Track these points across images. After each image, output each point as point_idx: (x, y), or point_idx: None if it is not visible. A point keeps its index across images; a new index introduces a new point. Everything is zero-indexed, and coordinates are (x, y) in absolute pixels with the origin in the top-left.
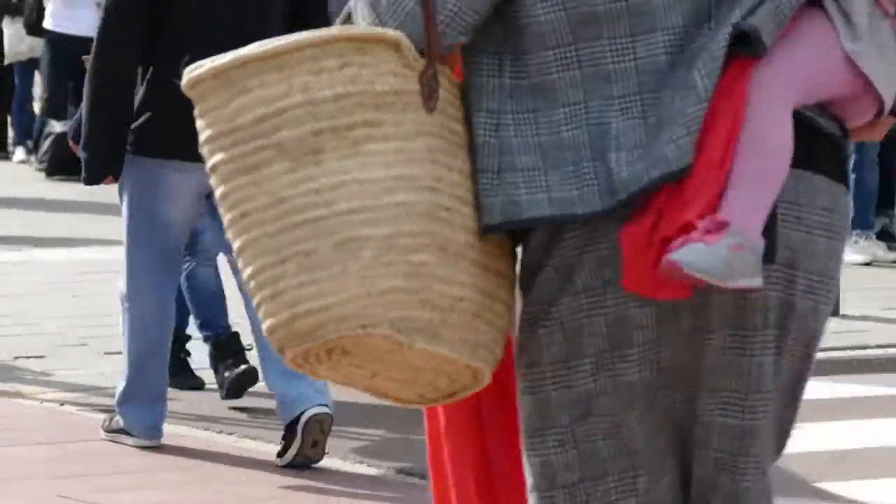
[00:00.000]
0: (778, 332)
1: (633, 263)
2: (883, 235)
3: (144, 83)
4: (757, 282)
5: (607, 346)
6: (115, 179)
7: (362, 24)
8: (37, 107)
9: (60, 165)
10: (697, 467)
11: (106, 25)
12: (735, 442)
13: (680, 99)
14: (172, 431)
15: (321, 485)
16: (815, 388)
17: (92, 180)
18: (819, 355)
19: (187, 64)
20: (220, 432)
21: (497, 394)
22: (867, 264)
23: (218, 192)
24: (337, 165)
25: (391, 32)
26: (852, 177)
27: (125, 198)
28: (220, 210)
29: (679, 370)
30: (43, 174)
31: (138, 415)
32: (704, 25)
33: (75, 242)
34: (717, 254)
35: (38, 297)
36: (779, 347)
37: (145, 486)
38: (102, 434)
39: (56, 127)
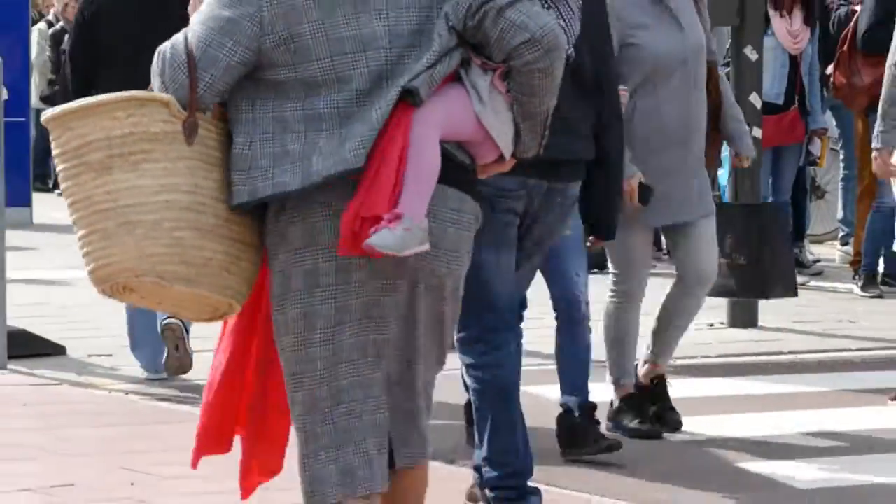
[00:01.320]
0: (415, 285)
1: (346, 236)
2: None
3: None
4: (425, 247)
5: (306, 285)
6: None
7: (157, 89)
8: None
9: None
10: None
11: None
12: (398, 352)
13: (360, 125)
14: None
15: None
16: (739, 386)
17: None
18: (742, 360)
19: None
20: None
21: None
22: None
23: (61, 188)
24: (122, 177)
25: (164, 95)
26: None
27: None
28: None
29: (360, 306)
30: None
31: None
32: (382, 87)
33: None
34: (395, 236)
35: (106, 306)
36: (415, 294)
37: None
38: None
39: None
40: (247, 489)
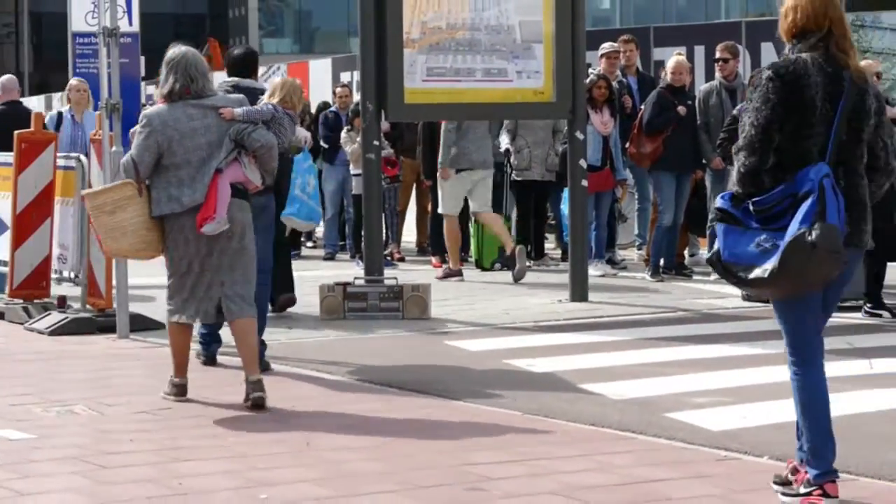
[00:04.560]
0: (232, 231)
1: (198, 225)
2: (608, 262)
3: None
4: (227, 225)
5: (180, 242)
6: None
7: (125, 177)
8: None
9: None
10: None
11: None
12: (229, 261)
13: (200, 184)
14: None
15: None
16: (574, 338)
17: None
18: (578, 322)
19: None
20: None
21: None
22: (602, 276)
23: (93, 223)
24: (120, 216)
25: (129, 180)
26: (594, 234)
27: None
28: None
29: (205, 248)
30: None
31: None
32: (205, 165)
33: None
34: (212, 226)
35: None
36: (233, 236)
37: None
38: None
39: None
40: None
